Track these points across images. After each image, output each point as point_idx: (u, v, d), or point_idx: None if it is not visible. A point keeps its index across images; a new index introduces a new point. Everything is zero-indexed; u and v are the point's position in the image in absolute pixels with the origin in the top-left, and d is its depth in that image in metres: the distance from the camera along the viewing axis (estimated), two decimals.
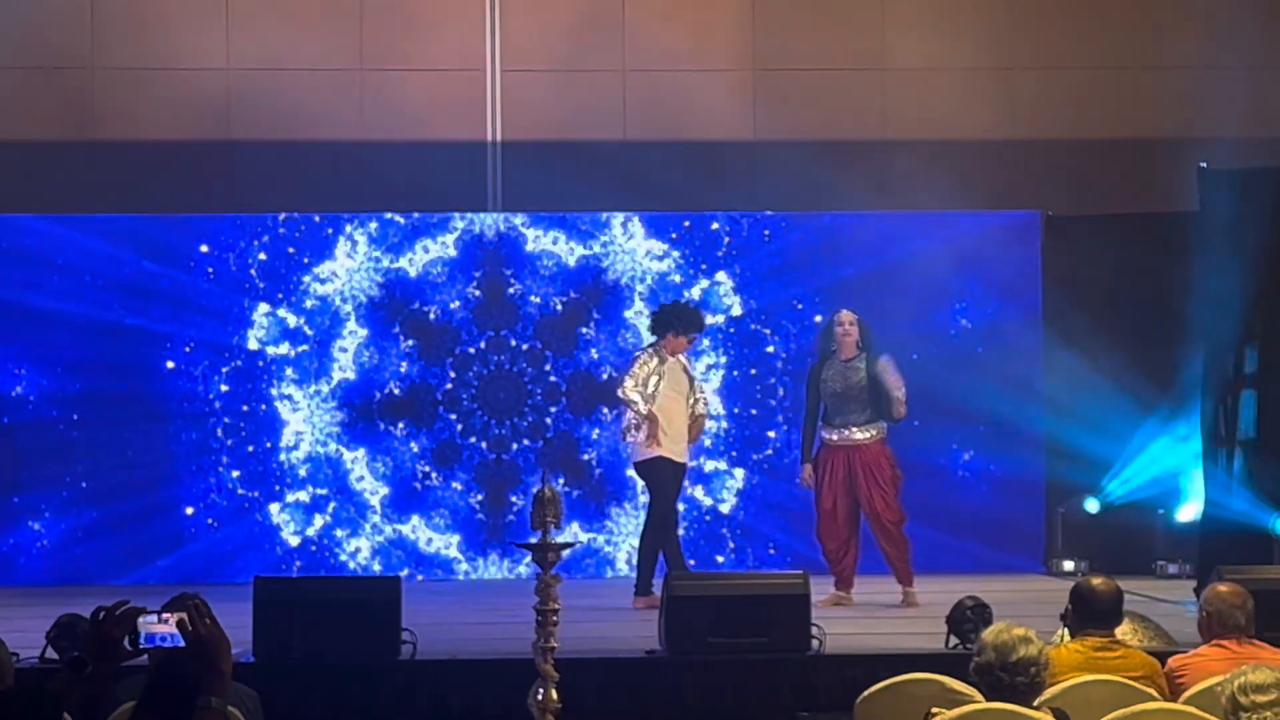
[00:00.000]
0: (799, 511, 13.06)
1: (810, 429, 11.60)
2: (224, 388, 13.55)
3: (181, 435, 13.49)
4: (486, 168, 13.89)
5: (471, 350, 13.64)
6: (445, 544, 13.57)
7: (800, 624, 9.02)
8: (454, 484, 13.60)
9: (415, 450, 13.59)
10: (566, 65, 13.99)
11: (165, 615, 3.93)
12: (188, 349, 13.51)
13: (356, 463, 13.61)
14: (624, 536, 13.61)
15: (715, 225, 13.78)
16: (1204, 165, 11.79)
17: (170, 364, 13.51)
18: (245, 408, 13.57)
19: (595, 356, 13.69)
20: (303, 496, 13.59)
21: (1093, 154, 13.89)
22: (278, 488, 13.59)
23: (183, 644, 3.88)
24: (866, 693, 6.65)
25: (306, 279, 13.59)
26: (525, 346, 13.68)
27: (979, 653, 5.73)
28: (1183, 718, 5.94)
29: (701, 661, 8.93)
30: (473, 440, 13.62)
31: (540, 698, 7.10)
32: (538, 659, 7.05)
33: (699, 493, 13.67)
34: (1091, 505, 13.49)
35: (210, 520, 13.49)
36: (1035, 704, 5.68)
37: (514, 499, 13.59)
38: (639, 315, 13.57)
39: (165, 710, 3.92)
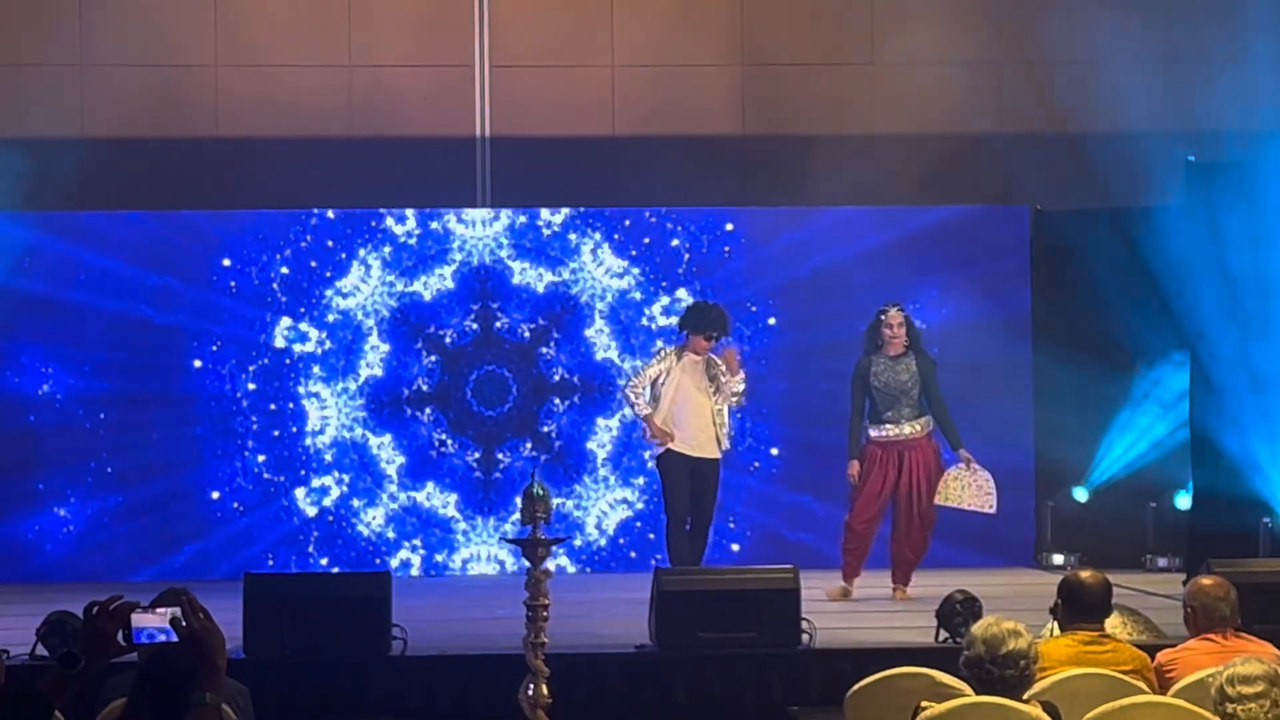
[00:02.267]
0: (756, 488, 13.22)
1: (856, 425, 11.62)
2: (251, 386, 13.57)
3: (209, 434, 13.50)
4: (475, 163, 13.89)
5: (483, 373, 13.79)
6: (444, 503, 13.63)
7: (790, 619, 9.04)
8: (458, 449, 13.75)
9: (432, 422, 13.70)
10: (555, 61, 14.00)
11: (159, 610, 3.92)
12: (215, 347, 13.52)
13: (383, 448, 13.67)
14: (593, 502, 13.73)
15: (675, 242, 13.81)
16: (1192, 159, 11.81)
17: (197, 363, 13.52)
18: (273, 406, 13.59)
19: (550, 362, 13.79)
20: (328, 482, 13.62)
21: (1081, 147, 13.90)
22: (303, 473, 13.61)
23: (175, 639, 3.87)
24: (856, 687, 6.66)
25: (329, 293, 13.61)
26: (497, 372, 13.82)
27: (968, 646, 5.75)
28: (1171, 711, 5.96)
29: (691, 656, 8.94)
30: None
31: (531, 693, 7.12)
32: (528, 654, 7.07)
33: None
34: (1080, 494, 13.53)
35: (236, 505, 13.51)
36: (1025, 697, 5.69)
37: (500, 456, 13.67)
38: (599, 334, 13.73)
39: (156, 706, 3.91)
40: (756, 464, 13.78)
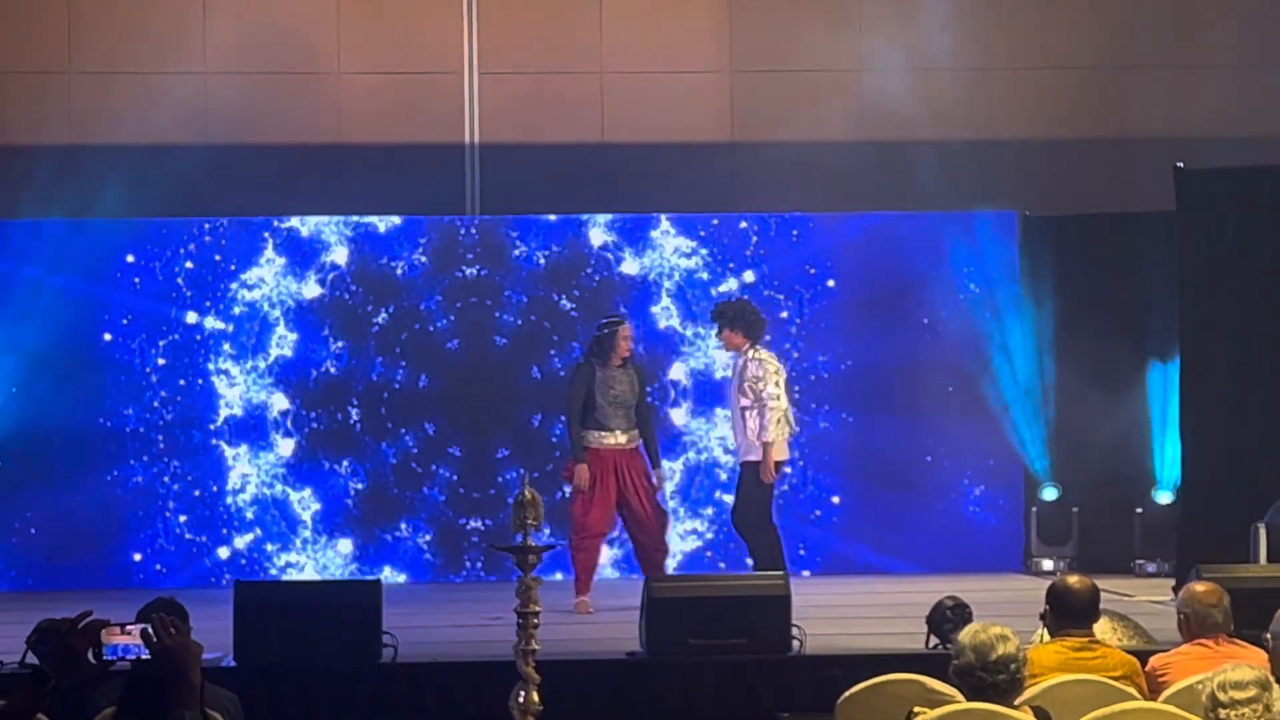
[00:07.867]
0: (822, 515, 13.14)
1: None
2: (160, 361, 13.39)
3: (120, 410, 13.24)
4: (464, 171, 13.87)
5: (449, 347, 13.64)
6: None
7: (781, 625, 9.03)
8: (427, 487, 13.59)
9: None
10: (543, 67, 13.99)
11: (129, 627, 3.87)
12: (125, 321, 13.35)
13: (302, 503, 13.48)
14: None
15: (744, 224, 13.69)
16: (1180, 165, 11.82)
17: (108, 336, 13.34)
18: (182, 382, 13.42)
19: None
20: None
21: (1070, 154, 13.91)
22: (225, 531, 13.40)
23: (147, 654, 3.82)
24: (848, 693, 6.66)
25: (234, 286, 13.41)
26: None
27: (957, 655, 5.73)
28: (1162, 716, 5.96)
29: (682, 663, 8.93)
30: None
31: (521, 700, 7.10)
32: (519, 661, 7.05)
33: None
34: (1049, 493, 13.54)
35: (158, 567, 13.28)
36: (1016, 703, 5.69)
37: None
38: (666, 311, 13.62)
39: (143, 717, 3.89)
40: (818, 512, 13.56)
